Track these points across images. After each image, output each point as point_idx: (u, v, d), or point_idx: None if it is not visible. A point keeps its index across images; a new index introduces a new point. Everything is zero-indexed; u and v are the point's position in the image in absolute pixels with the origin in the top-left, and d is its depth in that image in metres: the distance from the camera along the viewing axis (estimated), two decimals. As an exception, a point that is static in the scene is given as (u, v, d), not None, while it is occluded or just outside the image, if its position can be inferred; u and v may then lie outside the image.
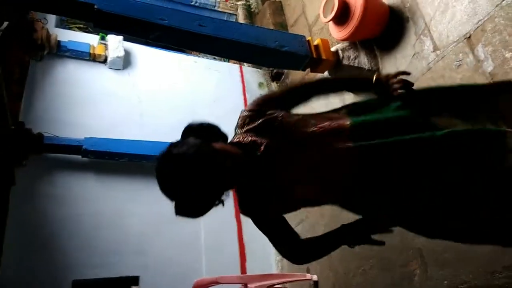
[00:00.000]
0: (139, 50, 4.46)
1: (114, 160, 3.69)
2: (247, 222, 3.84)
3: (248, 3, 5.35)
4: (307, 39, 3.12)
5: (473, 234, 1.27)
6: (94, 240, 3.39)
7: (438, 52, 2.44)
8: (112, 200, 3.62)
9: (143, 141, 3.70)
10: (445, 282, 2.20)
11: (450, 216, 1.23)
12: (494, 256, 1.93)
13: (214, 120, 1.34)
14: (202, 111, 4.05)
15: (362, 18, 2.73)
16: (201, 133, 1.26)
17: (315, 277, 3.30)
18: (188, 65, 4.70)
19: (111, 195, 3.64)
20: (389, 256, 2.61)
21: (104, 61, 4.15)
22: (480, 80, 2.10)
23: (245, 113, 1.31)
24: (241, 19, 5.26)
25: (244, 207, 1.32)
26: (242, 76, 4.88)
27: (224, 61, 5.06)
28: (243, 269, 3.78)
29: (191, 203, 1.21)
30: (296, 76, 4.15)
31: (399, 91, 1.32)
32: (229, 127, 1.37)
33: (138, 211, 3.64)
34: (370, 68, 2.93)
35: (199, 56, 5.00)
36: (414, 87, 1.37)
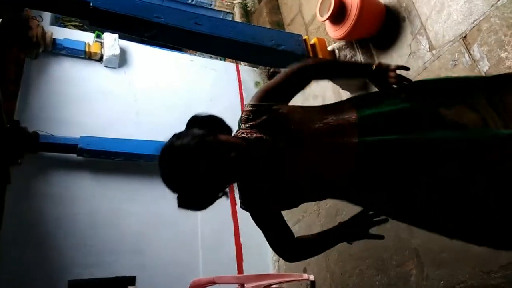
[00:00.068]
0: (135, 48, 4.44)
1: (110, 159, 3.67)
2: (244, 222, 3.83)
3: (244, 2, 5.34)
4: (303, 38, 3.12)
5: (468, 233, 1.27)
6: (90, 240, 3.38)
7: (434, 51, 2.44)
8: (108, 199, 3.60)
9: (139, 140, 3.69)
10: (442, 282, 2.20)
11: (447, 214, 1.23)
12: (491, 256, 1.93)
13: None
14: (198, 110, 3.99)
15: (358, 17, 2.74)
16: (205, 125, 1.24)
17: (312, 277, 3.30)
18: (185, 63, 4.69)
19: (107, 194, 3.63)
20: (385, 257, 2.62)
21: (100, 59, 4.13)
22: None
23: (249, 108, 1.28)
24: (237, 17, 5.25)
25: (245, 202, 1.30)
26: (238, 74, 4.87)
27: (221, 59, 5.05)
28: (240, 269, 3.78)
29: (194, 194, 1.20)
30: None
31: (393, 86, 1.31)
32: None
33: (134, 211, 3.63)
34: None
35: (195, 55, 4.99)
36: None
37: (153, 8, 2.72)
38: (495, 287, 1.91)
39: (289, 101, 1.35)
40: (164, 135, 1.23)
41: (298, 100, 1.35)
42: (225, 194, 1.23)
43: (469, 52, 2.20)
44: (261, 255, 3.93)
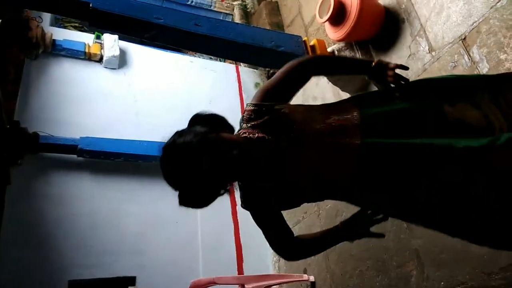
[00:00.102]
0: (135, 49, 4.45)
1: (110, 159, 3.67)
2: (245, 222, 3.83)
3: (244, 3, 5.35)
4: (303, 39, 3.13)
5: (469, 232, 1.27)
6: (90, 240, 3.38)
7: (433, 53, 2.45)
8: (108, 199, 3.61)
9: (139, 140, 3.69)
10: (442, 283, 2.20)
11: (448, 215, 1.23)
12: (491, 257, 1.93)
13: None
14: (198, 111, 4.03)
15: (358, 19, 2.74)
16: (207, 123, 1.24)
17: (312, 278, 3.30)
18: (184, 64, 4.69)
19: (107, 194, 3.63)
20: (385, 257, 2.62)
21: (100, 60, 4.14)
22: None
23: (251, 107, 1.27)
24: (237, 19, 5.25)
25: (246, 201, 1.30)
26: (238, 76, 4.88)
27: (221, 61, 5.05)
28: (240, 270, 3.78)
29: (196, 192, 1.20)
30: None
31: (391, 84, 1.32)
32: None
33: (134, 211, 3.64)
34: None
35: (195, 56, 4.99)
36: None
37: (152, 9, 2.72)
38: (495, 288, 1.92)
39: (290, 99, 1.35)
40: (163, 136, 1.23)
41: (298, 101, 1.35)
42: (226, 191, 1.24)
43: (469, 54, 2.20)
44: (261, 256, 3.93)
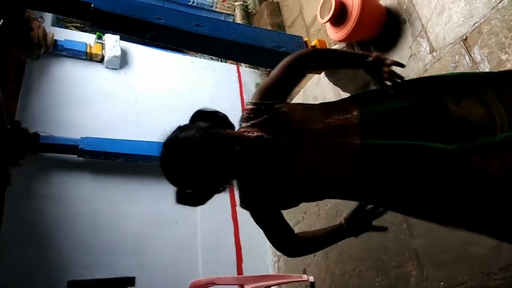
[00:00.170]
0: (136, 50, 4.45)
1: (110, 160, 3.68)
2: (244, 223, 3.84)
3: (245, 4, 5.35)
4: (304, 40, 3.13)
5: (471, 225, 1.27)
6: (90, 240, 3.38)
7: (434, 53, 2.45)
8: (108, 200, 3.61)
9: (140, 141, 3.70)
10: (441, 283, 2.20)
11: (450, 214, 1.23)
12: (490, 257, 1.93)
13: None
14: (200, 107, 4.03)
15: (359, 20, 2.74)
16: (210, 119, 1.24)
17: (311, 278, 3.30)
18: (185, 65, 4.70)
19: (107, 195, 3.63)
20: (385, 258, 2.62)
21: (101, 60, 4.15)
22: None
23: (250, 106, 1.27)
24: (238, 19, 5.26)
25: (245, 201, 1.29)
26: (239, 76, 4.88)
27: (222, 61, 5.06)
28: (240, 270, 3.78)
29: (196, 188, 1.19)
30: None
31: (386, 82, 1.31)
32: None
33: (134, 211, 3.64)
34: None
35: (196, 56, 5.00)
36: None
37: (154, 10, 2.72)
38: (495, 288, 1.91)
39: (289, 95, 1.35)
40: (164, 132, 1.22)
41: (298, 101, 1.35)
42: (225, 189, 1.23)
43: (470, 54, 2.20)
44: (261, 256, 3.93)
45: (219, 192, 1.22)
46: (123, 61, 4.25)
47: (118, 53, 4.14)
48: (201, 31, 2.75)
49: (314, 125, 1.23)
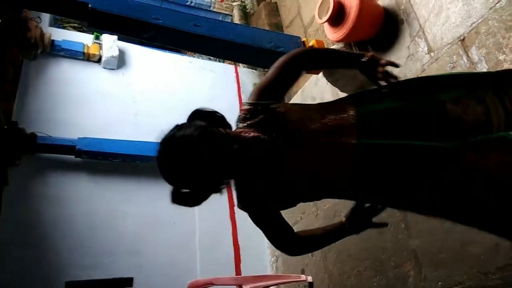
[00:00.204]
0: (134, 50, 4.44)
1: (108, 160, 3.67)
2: (243, 223, 3.83)
3: (243, 4, 5.35)
4: (302, 40, 3.13)
5: (470, 220, 1.27)
6: (87, 241, 3.37)
7: (432, 54, 2.45)
8: (106, 200, 3.60)
9: (137, 141, 3.69)
10: (440, 283, 2.20)
11: (448, 210, 1.24)
12: (488, 257, 1.94)
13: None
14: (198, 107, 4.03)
15: (357, 20, 2.74)
16: (207, 118, 1.23)
17: (310, 279, 3.30)
18: (183, 65, 4.69)
19: (105, 195, 3.62)
20: (383, 258, 2.62)
21: (98, 60, 4.13)
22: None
23: (247, 107, 1.27)
24: (236, 19, 5.25)
25: (242, 202, 1.29)
26: (237, 76, 4.88)
27: (219, 61, 5.05)
28: (238, 270, 3.78)
29: (193, 187, 1.18)
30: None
31: (381, 82, 1.31)
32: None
33: (132, 212, 3.63)
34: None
35: (194, 56, 4.99)
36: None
37: (151, 10, 2.72)
38: (493, 288, 1.92)
39: (285, 95, 1.35)
40: (162, 131, 1.22)
41: (296, 101, 1.35)
42: (221, 189, 1.22)
43: (467, 55, 2.21)
44: (259, 256, 3.92)
45: (215, 192, 1.21)
46: (120, 61, 4.24)
47: (116, 53, 4.13)
48: (199, 31, 2.75)
49: (311, 125, 1.23)
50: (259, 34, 3.03)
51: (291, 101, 3.87)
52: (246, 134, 1.23)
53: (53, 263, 3.22)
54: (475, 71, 2.11)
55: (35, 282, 3.10)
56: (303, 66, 1.37)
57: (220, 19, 4.95)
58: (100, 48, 4.13)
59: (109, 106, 4.00)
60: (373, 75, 1.33)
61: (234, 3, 5.38)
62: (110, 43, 4.13)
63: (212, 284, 3.17)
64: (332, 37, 2.98)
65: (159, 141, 1.17)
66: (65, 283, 3.17)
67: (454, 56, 2.29)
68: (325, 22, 2.90)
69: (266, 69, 4.75)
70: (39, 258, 3.18)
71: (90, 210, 3.49)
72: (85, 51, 4.04)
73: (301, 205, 1.34)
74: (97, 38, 4.18)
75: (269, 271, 3.88)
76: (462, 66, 2.23)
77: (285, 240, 1.34)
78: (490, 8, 2.10)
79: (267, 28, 4.46)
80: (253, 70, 5.00)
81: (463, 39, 2.25)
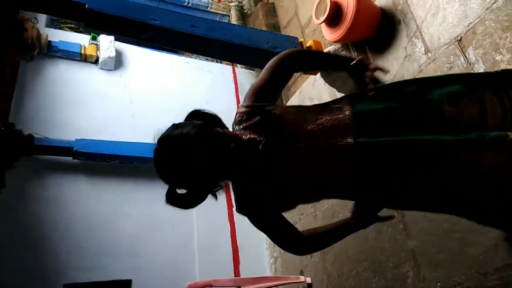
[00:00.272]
0: (131, 51, 4.44)
1: (106, 161, 3.66)
2: (241, 225, 3.84)
3: (240, 4, 5.35)
4: (299, 40, 3.13)
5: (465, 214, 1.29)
6: (85, 243, 3.36)
7: (429, 54, 2.45)
8: (104, 202, 3.59)
9: (135, 142, 3.68)
10: (438, 284, 2.20)
11: (444, 206, 1.26)
12: (487, 257, 1.94)
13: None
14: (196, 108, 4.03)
15: (354, 20, 2.74)
16: (205, 119, 1.24)
17: (308, 280, 3.30)
18: (181, 66, 4.69)
19: (103, 197, 3.61)
20: (382, 259, 2.62)
21: (96, 61, 4.13)
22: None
23: (243, 109, 1.28)
24: (233, 20, 5.25)
25: (241, 206, 1.29)
26: (235, 77, 4.88)
27: (217, 62, 5.05)
28: (237, 272, 3.77)
29: (187, 187, 1.18)
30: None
31: (370, 87, 1.33)
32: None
33: (130, 213, 3.62)
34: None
35: (191, 57, 4.98)
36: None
37: (148, 10, 2.72)
38: (491, 289, 1.92)
39: (278, 95, 1.36)
40: (160, 130, 1.21)
41: (294, 102, 1.35)
42: (217, 191, 1.22)
43: (464, 55, 2.21)
44: (258, 258, 3.92)
45: (211, 194, 1.21)
46: (117, 62, 4.23)
47: (113, 54, 4.12)
48: (196, 32, 2.75)
49: (306, 126, 1.24)
50: (256, 34, 3.03)
51: (289, 102, 3.87)
52: (243, 136, 1.23)
53: (51, 265, 3.21)
54: (472, 71, 2.11)
55: (33, 284, 3.09)
56: (293, 67, 1.39)
57: (217, 19, 4.95)
58: (97, 49, 4.12)
59: (107, 107, 3.99)
60: (361, 78, 1.35)
61: (231, 4, 5.38)
62: (107, 44, 4.12)
63: (211, 285, 3.17)
64: (329, 38, 2.98)
65: (156, 139, 1.18)
66: (63, 286, 3.17)
67: (451, 57, 2.29)
68: (322, 22, 2.90)
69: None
70: (37, 260, 3.17)
71: (88, 211, 3.48)
72: (82, 52, 4.03)
73: (299, 206, 1.34)
74: (94, 39, 4.17)
75: (267, 273, 3.88)
76: (459, 66, 2.23)
77: (290, 240, 1.33)
78: (487, 9, 2.10)
79: (264, 29, 4.46)
80: (251, 71, 5.00)
81: (460, 40, 2.25)
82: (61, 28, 4.63)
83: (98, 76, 4.12)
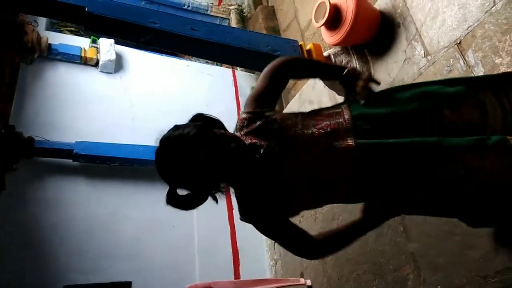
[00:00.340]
0: (131, 54, 4.45)
1: (106, 164, 3.66)
2: (241, 227, 3.83)
3: (240, 8, 5.36)
4: (299, 43, 3.13)
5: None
6: (85, 245, 3.36)
7: (429, 57, 2.46)
8: (104, 204, 3.59)
9: (135, 145, 3.69)
10: (438, 286, 2.20)
11: (443, 208, 1.27)
12: (487, 260, 1.94)
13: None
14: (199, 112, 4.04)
15: (353, 23, 2.75)
16: (207, 121, 1.26)
17: (308, 282, 3.29)
18: (181, 69, 4.70)
19: (103, 199, 3.61)
20: (382, 261, 2.61)
21: (96, 64, 4.13)
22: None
23: (244, 115, 1.30)
24: (233, 23, 5.26)
25: (244, 213, 1.29)
26: (235, 80, 4.89)
27: (217, 65, 5.06)
28: (237, 274, 3.77)
29: (187, 187, 1.18)
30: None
31: (360, 97, 1.33)
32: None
33: (130, 215, 3.62)
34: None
35: (191, 60, 4.99)
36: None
37: (148, 14, 2.72)
38: (491, 291, 1.92)
39: (277, 101, 1.39)
40: (161, 135, 1.22)
41: (295, 104, 1.36)
42: (217, 194, 1.22)
43: (464, 58, 2.21)
44: (258, 260, 3.92)
45: (211, 195, 1.22)
46: (118, 65, 4.24)
47: (113, 57, 4.13)
48: (196, 35, 2.75)
49: (307, 131, 1.25)
50: (256, 37, 3.03)
51: (289, 104, 3.88)
52: (245, 142, 1.25)
53: (51, 267, 3.21)
54: (472, 75, 2.12)
55: (33, 285, 3.09)
56: (290, 74, 1.42)
57: (217, 23, 4.97)
58: (97, 52, 4.13)
59: (107, 110, 3.99)
60: (352, 88, 1.36)
61: (231, 7, 5.39)
62: (107, 47, 4.13)
63: (211, 287, 3.16)
64: (329, 41, 2.98)
65: (158, 140, 1.19)
66: (63, 287, 3.16)
67: (451, 60, 2.29)
68: (322, 25, 2.90)
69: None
70: (37, 262, 3.17)
71: (88, 214, 3.49)
72: (82, 55, 4.04)
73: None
74: (94, 42, 4.18)
75: (268, 275, 3.87)
76: (458, 69, 2.24)
77: (300, 244, 1.30)
78: (486, 12, 2.11)
79: (264, 32, 4.47)
80: (251, 74, 5.00)
81: (459, 43, 2.26)
82: (61, 31, 4.64)
83: (98, 79, 4.13)
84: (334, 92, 3.12)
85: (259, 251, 3.93)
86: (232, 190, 1.31)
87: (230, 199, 1.30)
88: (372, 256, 2.69)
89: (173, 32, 2.71)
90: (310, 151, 1.23)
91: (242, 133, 1.28)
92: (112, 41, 4.17)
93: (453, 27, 2.30)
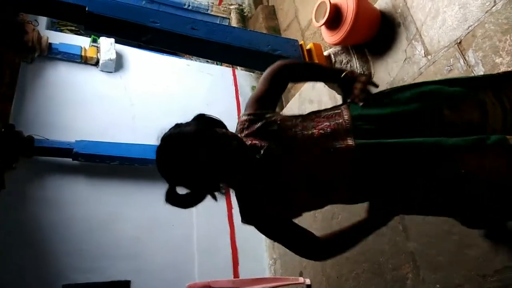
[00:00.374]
0: (131, 53, 4.45)
1: (105, 163, 3.67)
2: (240, 226, 3.85)
3: (241, 7, 5.37)
4: (299, 43, 3.14)
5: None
6: (85, 244, 3.36)
7: (429, 57, 2.46)
8: (104, 203, 3.59)
9: (135, 144, 3.69)
10: (438, 285, 2.20)
11: (443, 208, 1.27)
12: (486, 259, 1.94)
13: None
14: (195, 115, 4.04)
15: (354, 23, 2.75)
16: (209, 121, 1.26)
17: (308, 281, 3.30)
18: (181, 68, 4.70)
19: (103, 198, 3.62)
20: (381, 260, 2.62)
21: (96, 63, 4.14)
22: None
23: (244, 117, 1.31)
24: (234, 23, 5.27)
25: (245, 215, 1.28)
26: (235, 79, 4.89)
27: (217, 64, 5.06)
28: (236, 273, 3.77)
29: (186, 185, 1.18)
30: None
31: (358, 99, 1.33)
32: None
33: (129, 215, 3.63)
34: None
35: (191, 59, 4.99)
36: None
37: (149, 13, 2.72)
38: (491, 291, 1.92)
39: (277, 103, 1.41)
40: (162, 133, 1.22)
41: (294, 104, 1.36)
42: (216, 193, 1.22)
43: (464, 58, 2.21)
44: (257, 259, 3.92)
45: (211, 194, 1.22)
46: (118, 64, 4.24)
47: (113, 56, 4.13)
48: (196, 35, 2.75)
49: (306, 132, 1.26)
50: (256, 37, 3.03)
51: (289, 104, 3.88)
52: (245, 143, 1.26)
53: (50, 266, 3.21)
54: (472, 74, 2.12)
55: (33, 285, 3.09)
56: (289, 78, 1.44)
57: (218, 22, 4.97)
58: (98, 51, 4.13)
59: (107, 109, 4.00)
60: (349, 91, 1.37)
61: (232, 7, 5.40)
62: (107, 46, 4.14)
63: (210, 287, 3.16)
64: (329, 40, 2.99)
65: (159, 138, 1.19)
66: (62, 286, 3.17)
67: (451, 59, 2.30)
68: (322, 25, 2.90)
69: (263, 72, 4.77)
70: (37, 261, 3.17)
71: (88, 213, 3.49)
72: (83, 54, 4.05)
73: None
74: (94, 41, 4.19)
75: (267, 274, 3.88)
76: (459, 69, 2.24)
77: (304, 244, 1.29)
78: (486, 12, 2.11)
79: (264, 32, 4.47)
80: (251, 73, 5.01)
81: (459, 42, 2.26)
82: (61, 31, 4.64)
83: (98, 78, 4.13)
84: (334, 92, 3.12)
85: (259, 250, 3.94)
86: (232, 190, 1.31)
87: (230, 198, 1.31)
88: (372, 255, 2.69)
89: (173, 31, 2.71)
90: (310, 151, 1.23)
91: (243, 135, 1.29)
92: (112, 40, 4.17)
93: (453, 27, 2.30)
